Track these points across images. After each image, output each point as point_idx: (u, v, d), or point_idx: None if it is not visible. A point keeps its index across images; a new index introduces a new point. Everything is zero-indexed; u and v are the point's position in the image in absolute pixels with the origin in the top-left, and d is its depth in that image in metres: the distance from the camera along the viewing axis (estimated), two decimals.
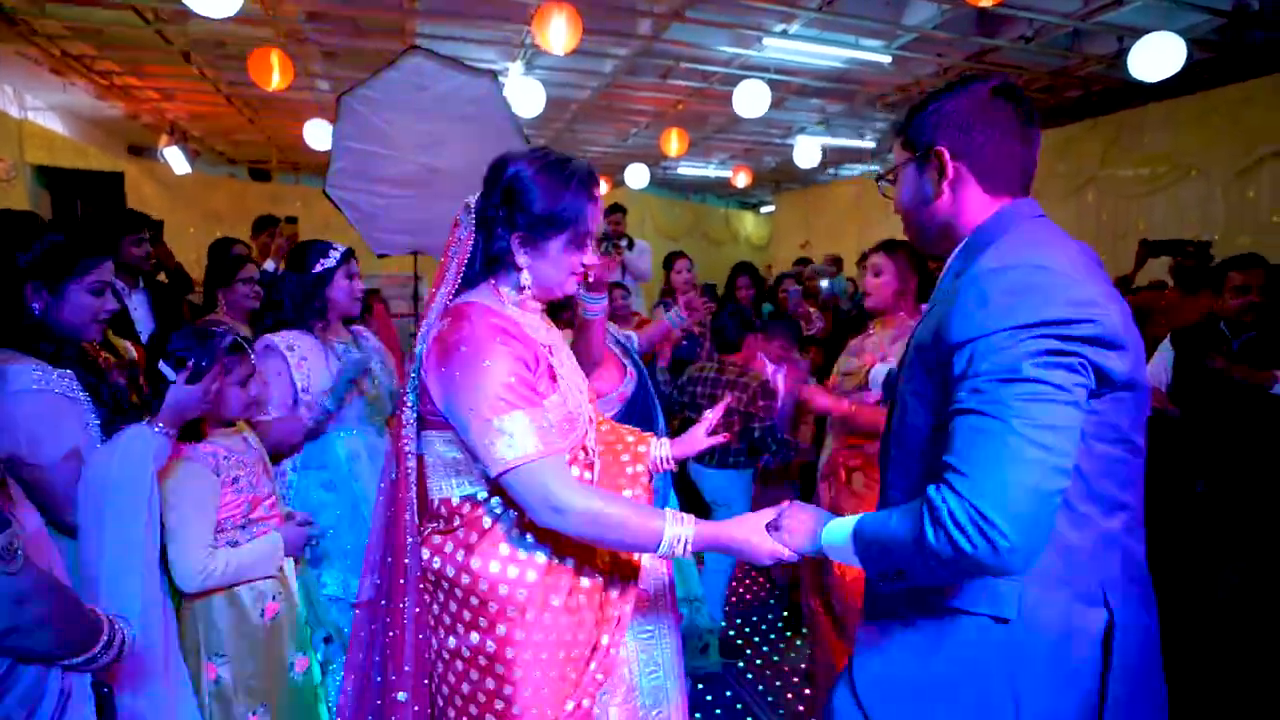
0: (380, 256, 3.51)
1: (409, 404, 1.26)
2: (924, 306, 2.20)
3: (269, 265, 3.90)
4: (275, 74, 4.44)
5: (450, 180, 3.56)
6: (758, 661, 3.08)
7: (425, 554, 1.26)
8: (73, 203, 6.68)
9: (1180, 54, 4.27)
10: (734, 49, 5.42)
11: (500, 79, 5.84)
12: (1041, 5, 4.58)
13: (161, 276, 3.94)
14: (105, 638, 1.16)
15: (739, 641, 3.23)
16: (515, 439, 1.10)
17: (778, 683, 2.91)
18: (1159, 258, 4.18)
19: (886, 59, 5.48)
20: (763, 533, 1.13)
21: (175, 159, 7.29)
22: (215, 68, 5.76)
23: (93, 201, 6.72)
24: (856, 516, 1.02)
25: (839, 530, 1.04)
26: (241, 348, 1.74)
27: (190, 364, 1.55)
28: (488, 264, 1.27)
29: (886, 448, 1.12)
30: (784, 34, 5.07)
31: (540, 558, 1.21)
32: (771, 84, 5.53)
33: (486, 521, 1.23)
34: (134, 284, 3.13)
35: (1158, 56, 4.30)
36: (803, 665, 2.98)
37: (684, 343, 3.78)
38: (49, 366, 1.51)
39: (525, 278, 1.26)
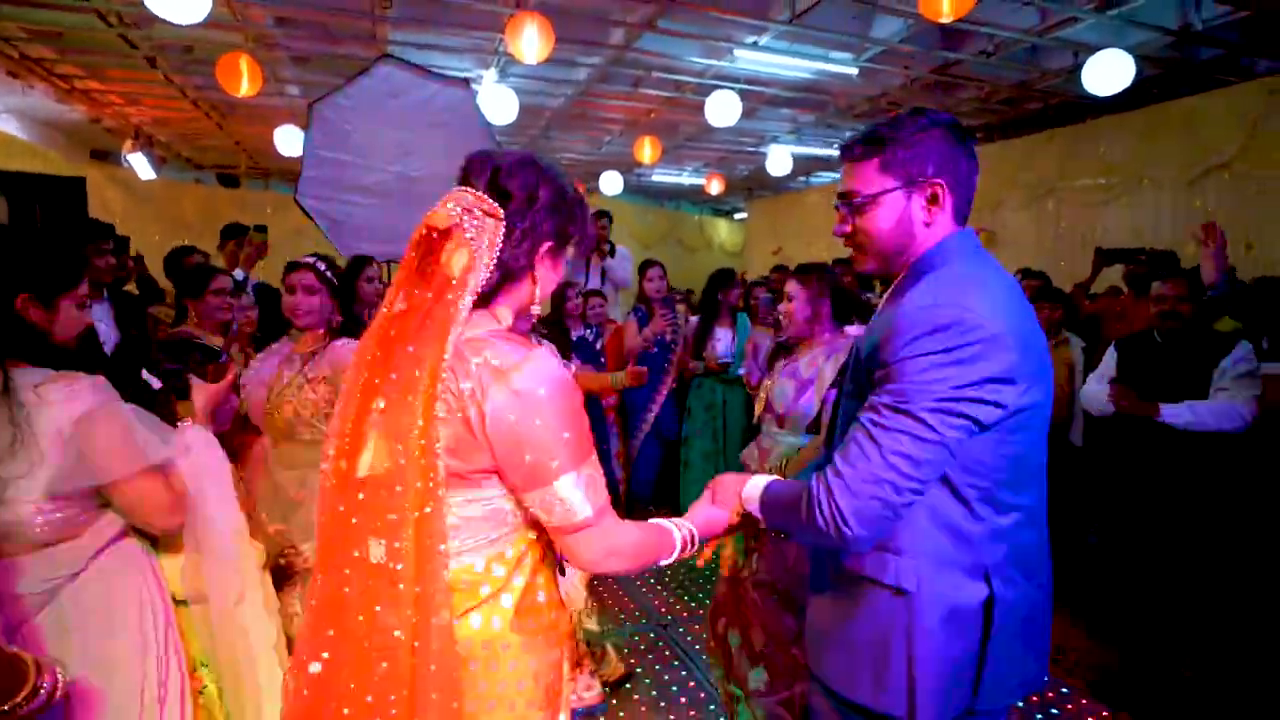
0: None
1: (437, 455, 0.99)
2: (848, 329, 2.28)
3: (238, 274, 3.86)
4: (244, 80, 4.41)
5: (423, 188, 3.57)
6: None
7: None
8: (31, 209, 6.52)
9: (1129, 70, 4.45)
10: (706, 60, 5.50)
11: (473, 87, 5.86)
12: (1001, 21, 4.73)
13: (130, 286, 3.89)
14: (31, 687, 1.06)
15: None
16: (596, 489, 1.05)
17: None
18: (1113, 265, 4.35)
19: (854, 71, 5.61)
20: (712, 504, 1.30)
21: (140, 165, 7.17)
22: (182, 73, 5.68)
23: (53, 208, 6.56)
24: (770, 477, 1.25)
25: (754, 486, 1.24)
26: (218, 355, 1.78)
27: (205, 364, 1.62)
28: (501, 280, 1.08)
29: (831, 443, 1.30)
30: (755, 45, 5.16)
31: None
32: (743, 94, 5.62)
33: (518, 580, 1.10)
34: (98, 295, 3.09)
35: (1109, 72, 4.48)
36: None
37: (653, 349, 3.82)
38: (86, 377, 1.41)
39: (537, 293, 1.11)
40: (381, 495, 0.97)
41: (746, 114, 5.89)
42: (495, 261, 1.02)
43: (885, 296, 1.24)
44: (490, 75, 5.63)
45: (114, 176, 8.15)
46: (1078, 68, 5.23)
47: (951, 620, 1.11)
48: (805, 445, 2.18)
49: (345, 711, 0.97)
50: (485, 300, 1.04)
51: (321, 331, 2.14)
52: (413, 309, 0.99)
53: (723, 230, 13.67)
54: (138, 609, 1.42)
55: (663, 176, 10.32)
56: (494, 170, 1.04)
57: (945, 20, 3.41)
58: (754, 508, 1.24)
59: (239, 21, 4.60)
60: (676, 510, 3.81)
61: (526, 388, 0.97)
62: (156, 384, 1.62)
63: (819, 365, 2.20)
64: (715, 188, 9.20)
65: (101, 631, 1.37)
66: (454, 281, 0.98)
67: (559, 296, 3.64)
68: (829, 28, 4.85)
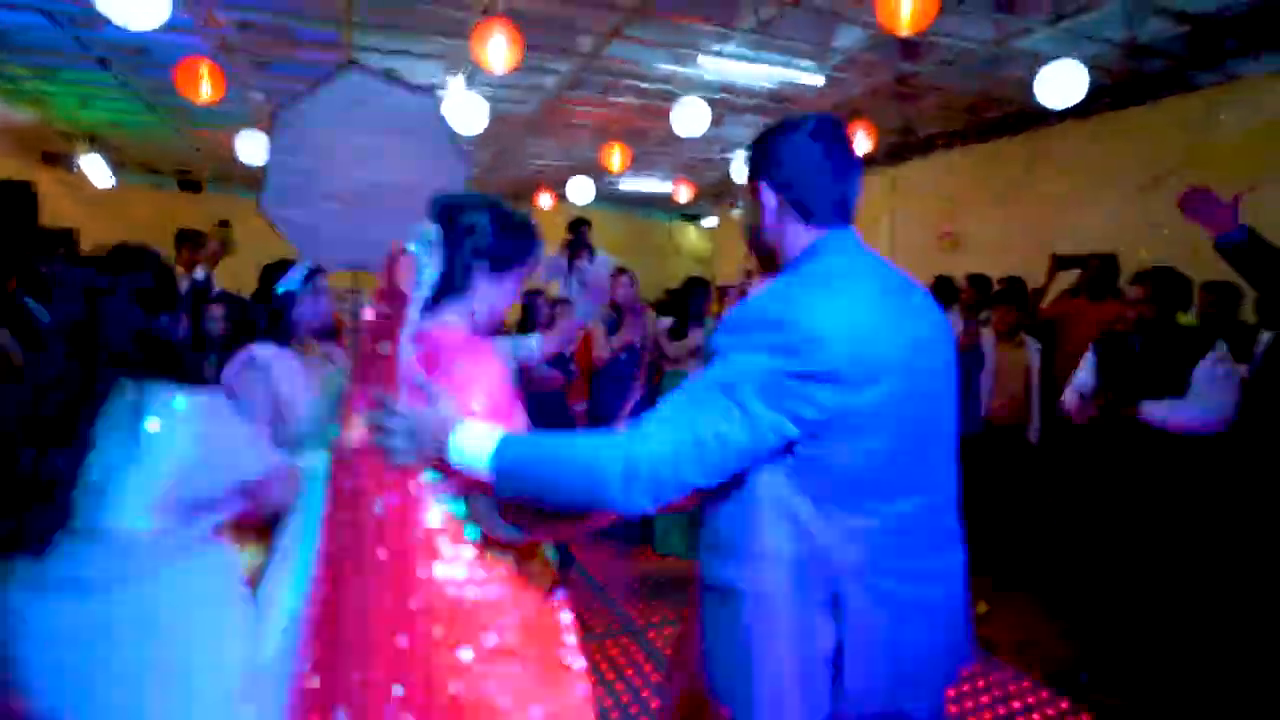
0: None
1: None
2: None
3: (199, 274, 3.79)
4: (205, 85, 4.32)
5: (389, 195, 3.54)
6: None
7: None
8: None
9: (1083, 81, 4.60)
10: (672, 66, 5.55)
11: (441, 93, 5.83)
12: (959, 32, 4.86)
13: None
14: None
15: None
16: None
17: None
18: (1068, 270, 4.49)
19: (819, 79, 5.71)
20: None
21: (94, 169, 6.97)
22: (138, 75, 5.55)
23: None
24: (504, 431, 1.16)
25: (481, 437, 1.14)
26: None
27: None
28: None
29: None
30: (720, 53, 5.22)
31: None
32: (710, 102, 5.68)
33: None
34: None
35: (1062, 83, 4.62)
36: None
37: (621, 356, 3.83)
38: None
39: (479, 306, 1.37)
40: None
41: (714, 121, 5.95)
42: (440, 276, 1.30)
43: None
44: (459, 82, 5.61)
45: (66, 181, 7.92)
46: (1032, 77, 5.39)
47: (804, 619, 1.11)
48: None
49: None
50: (432, 307, 1.31)
51: None
52: (376, 317, 1.30)
53: (692, 237, 13.76)
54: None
55: (631, 184, 10.36)
56: (446, 206, 1.34)
57: (904, 33, 3.49)
58: (480, 468, 1.12)
59: (200, 26, 4.51)
60: (649, 523, 3.81)
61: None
62: None
63: None
64: (684, 195, 9.26)
65: None
66: (407, 294, 1.28)
67: (529, 306, 3.64)
68: (793, 36, 4.93)
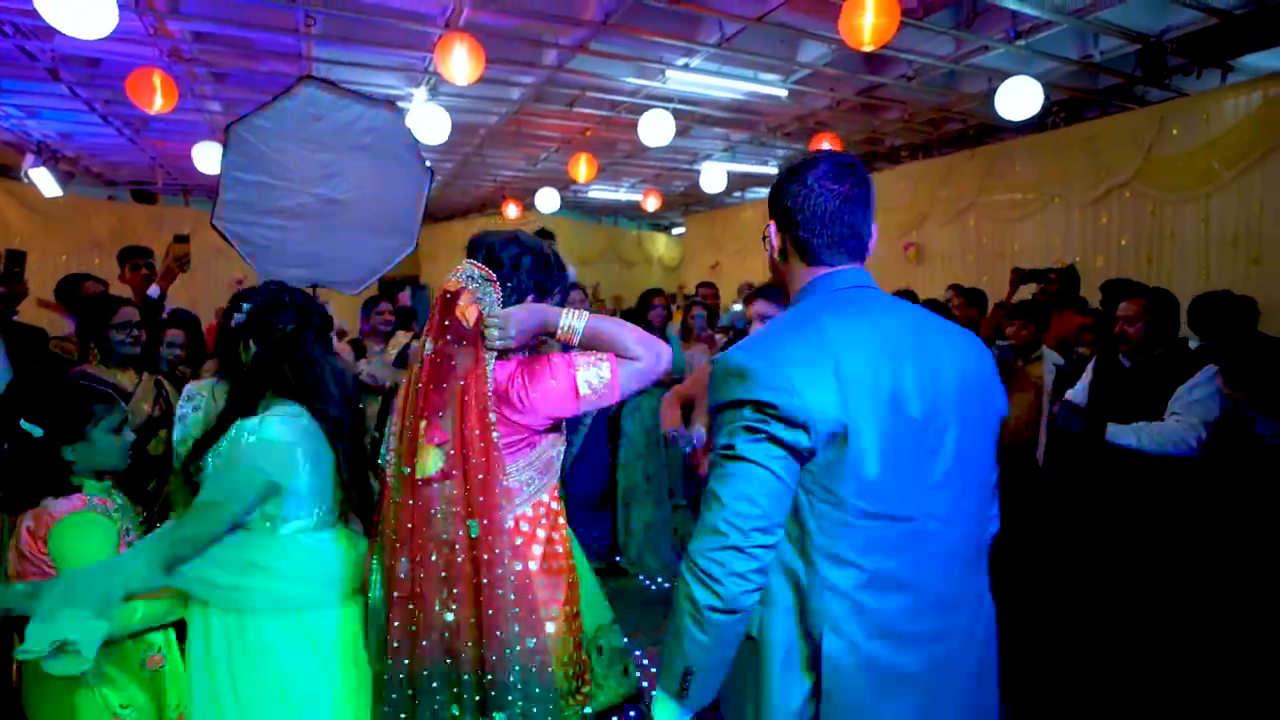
0: None
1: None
2: None
3: (153, 292, 3.66)
4: (158, 96, 4.21)
5: (348, 211, 3.47)
6: None
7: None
8: None
9: (1039, 97, 4.71)
10: (638, 80, 5.56)
11: (404, 105, 5.75)
12: (920, 48, 4.94)
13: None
14: None
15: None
16: None
17: None
18: (1029, 284, 4.57)
19: (784, 93, 5.76)
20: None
21: (43, 180, 6.74)
22: (88, 86, 5.39)
23: None
24: None
25: None
26: (110, 396, 1.70)
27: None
28: None
29: None
30: (686, 67, 5.25)
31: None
32: (676, 113, 5.70)
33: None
34: None
35: (1019, 99, 4.73)
36: None
37: None
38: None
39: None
40: (436, 489, 1.35)
41: (680, 132, 5.98)
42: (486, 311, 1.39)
43: None
44: (421, 94, 5.54)
45: (13, 192, 7.64)
46: (992, 91, 5.52)
47: (788, 667, 1.12)
48: None
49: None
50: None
51: None
52: (438, 353, 1.36)
53: (661, 245, 13.80)
54: None
55: (600, 193, 10.35)
56: (488, 247, 1.45)
57: (866, 49, 3.54)
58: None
59: (153, 36, 4.39)
60: (619, 541, 3.77)
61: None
62: (38, 431, 1.52)
63: None
64: (652, 204, 9.28)
65: None
66: (468, 328, 1.35)
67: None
68: (757, 51, 4.97)
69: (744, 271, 10.90)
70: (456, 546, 1.32)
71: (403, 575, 1.35)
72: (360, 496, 1.67)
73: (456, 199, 10.78)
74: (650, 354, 1.40)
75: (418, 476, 1.33)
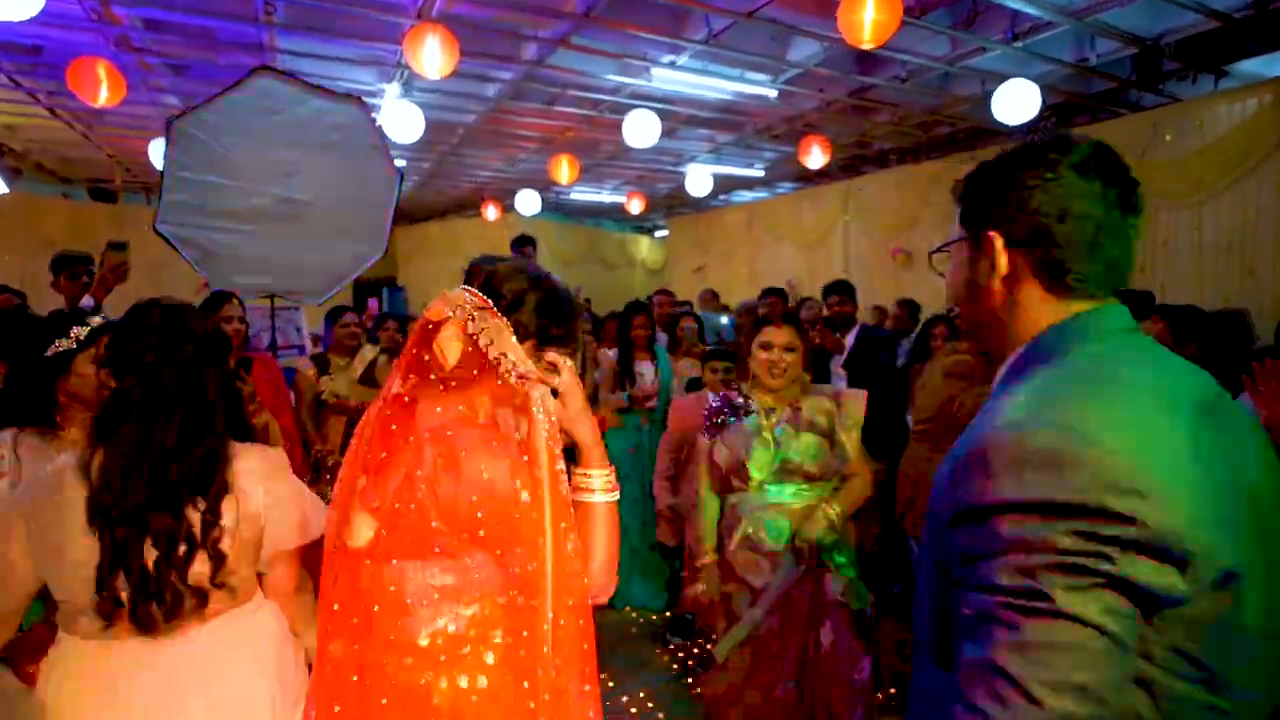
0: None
1: None
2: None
3: (87, 302, 3.35)
4: (103, 88, 3.89)
5: (311, 214, 3.21)
6: None
7: None
8: None
9: (1036, 100, 4.56)
10: (621, 78, 5.33)
11: (375, 102, 5.47)
12: (914, 49, 4.77)
13: None
14: None
15: None
16: None
17: None
18: None
19: (773, 93, 5.57)
20: None
21: None
22: (31, 75, 5.03)
23: None
24: None
25: None
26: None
27: None
28: None
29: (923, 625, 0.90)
30: (672, 65, 5.03)
31: None
32: (661, 113, 5.48)
33: None
34: None
35: (1016, 101, 4.58)
36: None
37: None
38: None
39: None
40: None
41: (665, 133, 5.76)
42: (484, 352, 1.07)
43: (994, 384, 0.91)
44: (393, 89, 5.26)
45: None
46: (985, 95, 5.37)
47: None
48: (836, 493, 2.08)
49: None
50: (475, 382, 1.10)
51: None
52: (406, 394, 1.08)
53: (644, 248, 13.57)
54: None
55: (582, 194, 10.10)
56: (489, 274, 1.15)
57: (866, 46, 3.35)
58: None
59: (97, 22, 4.07)
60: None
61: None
62: None
63: (831, 411, 2.06)
64: (635, 207, 9.06)
65: None
66: (446, 369, 1.06)
67: None
68: (746, 49, 4.77)
69: (729, 275, 10.72)
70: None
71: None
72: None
73: (433, 199, 10.46)
74: (602, 584, 1.12)
75: (349, 544, 1.07)
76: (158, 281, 6.54)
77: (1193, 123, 5.52)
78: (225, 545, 1.23)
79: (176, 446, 1.20)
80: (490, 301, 1.11)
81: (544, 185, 8.55)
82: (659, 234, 13.53)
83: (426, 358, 1.07)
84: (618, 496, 1.15)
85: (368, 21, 4.27)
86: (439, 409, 1.08)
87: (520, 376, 1.06)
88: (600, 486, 1.13)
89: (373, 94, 5.43)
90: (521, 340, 1.11)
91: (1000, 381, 0.88)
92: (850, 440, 2.04)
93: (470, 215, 10.72)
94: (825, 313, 3.63)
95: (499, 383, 1.07)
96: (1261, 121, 5.15)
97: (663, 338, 4.22)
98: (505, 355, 1.06)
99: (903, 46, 4.68)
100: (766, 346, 2.06)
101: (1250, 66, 5.22)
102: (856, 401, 2.07)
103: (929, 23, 4.26)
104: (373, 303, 4.98)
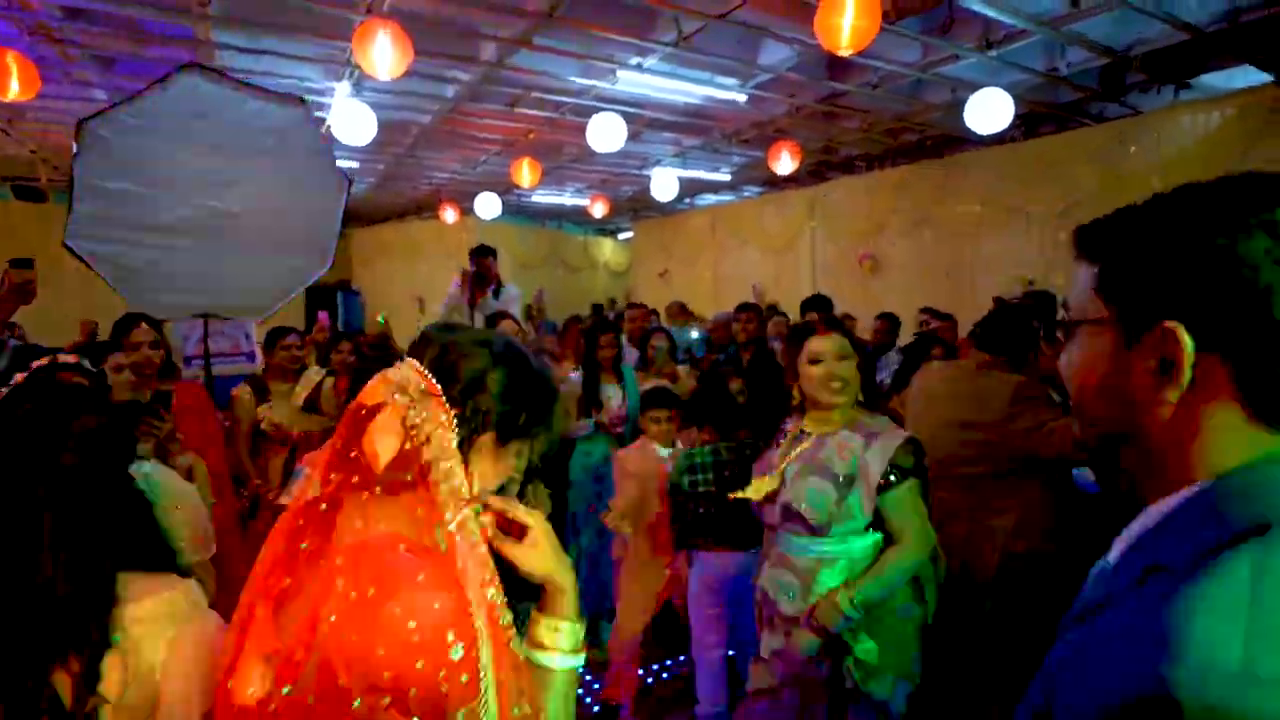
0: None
1: None
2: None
3: None
4: (14, 80, 3.53)
5: (247, 226, 2.92)
6: None
7: None
8: None
9: (1009, 109, 4.49)
10: (586, 80, 5.11)
11: (324, 100, 5.15)
12: (887, 55, 4.67)
13: None
14: None
15: None
16: None
17: None
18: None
19: (742, 97, 5.41)
20: None
21: None
22: None
23: None
24: None
25: None
26: None
27: None
28: None
29: None
30: (639, 67, 4.83)
31: None
32: (627, 116, 5.28)
33: None
34: None
35: (989, 111, 4.51)
36: None
37: None
38: None
39: (466, 489, 0.96)
40: None
41: (631, 136, 5.57)
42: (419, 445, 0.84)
43: (1120, 554, 0.62)
44: (343, 88, 4.95)
45: None
46: (955, 103, 5.31)
47: None
48: (872, 547, 1.72)
49: None
50: (410, 488, 0.85)
51: None
52: (325, 498, 0.84)
53: (608, 250, 13.35)
54: None
55: (544, 197, 9.84)
56: (443, 348, 0.90)
57: (845, 53, 3.20)
58: None
59: (8, 8, 3.70)
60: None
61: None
62: None
63: (856, 452, 1.68)
64: (599, 210, 8.84)
65: None
66: (377, 471, 0.82)
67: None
68: (716, 52, 4.60)
69: (693, 278, 10.57)
70: None
71: None
72: None
73: (390, 201, 10.07)
74: None
75: (234, 701, 0.80)
76: (89, 293, 6.08)
77: (1157, 135, 5.55)
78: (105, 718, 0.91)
79: (42, 590, 0.89)
80: (440, 385, 0.87)
81: (505, 188, 8.28)
82: (623, 236, 13.33)
83: (354, 454, 0.83)
84: (584, 660, 0.92)
85: (314, 16, 3.97)
86: (360, 523, 0.82)
87: (460, 500, 0.83)
88: (569, 645, 0.90)
89: (321, 93, 5.11)
90: (478, 432, 0.88)
91: (1144, 538, 0.59)
92: (869, 494, 1.65)
93: (428, 217, 10.36)
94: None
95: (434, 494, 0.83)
96: (1226, 134, 5.19)
97: (633, 353, 4.02)
98: (438, 465, 0.82)
99: (875, 53, 4.56)
100: (817, 360, 1.74)
101: (1212, 80, 5.26)
102: (891, 444, 1.67)
103: (903, 29, 4.14)
104: (324, 315, 4.65)
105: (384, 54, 3.27)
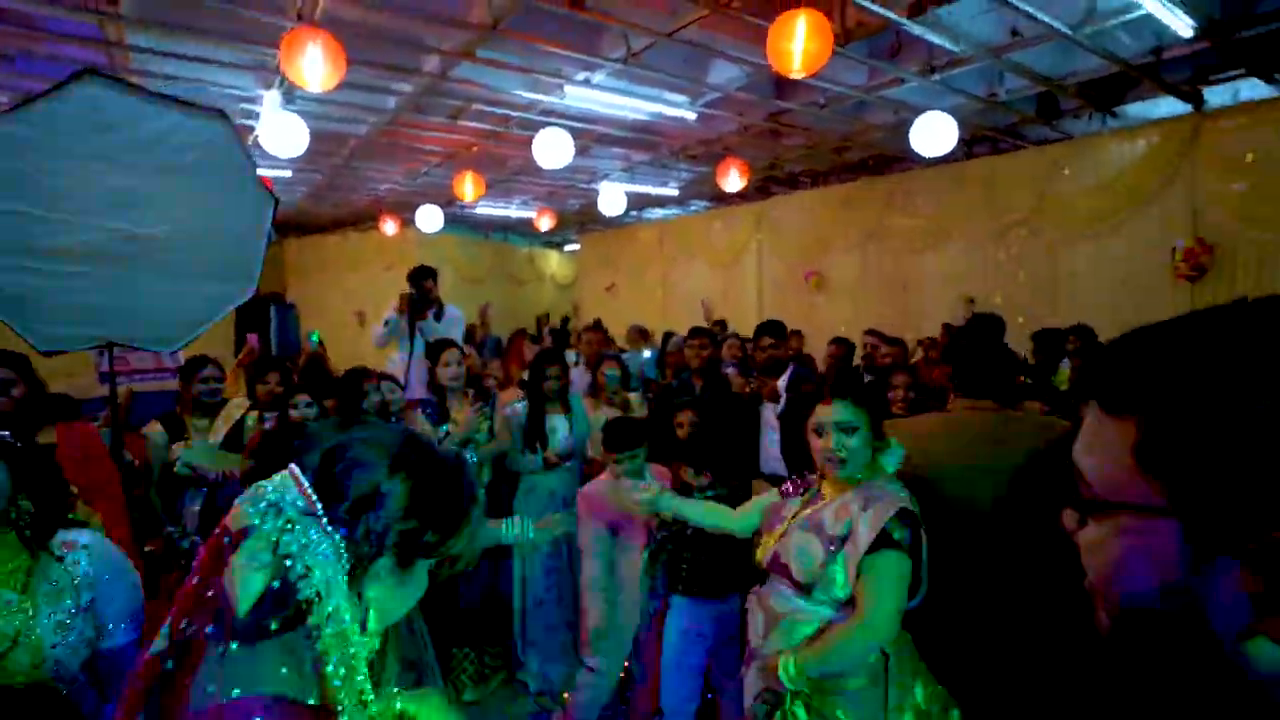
0: (47, 354, 2.50)
1: None
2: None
3: None
4: None
5: (160, 251, 2.67)
6: None
7: None
8: None
9: (953, 133, 4.56)
10: (533, 94, 4.97)
11: (253, 108, 4.86)
12: (835, 76, 4.69)
13: None
14: None
15: None
16: None
17: None
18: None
19: (692, 115, 5.37)
20: None
21: None
22: None
23: None
24: None
25: None
26: None
27: None
28: None
29: None
30: (587, 83, 4.72)
31: None
32: (575, 131, 5.17)
33: None
34: None
35: (934, 133, 4.57)
36: None
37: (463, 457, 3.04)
38: None
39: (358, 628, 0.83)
40: None
41: (579, 151, 5.46)
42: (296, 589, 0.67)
43: None
44: (273, 98, 4.68)
45: None
46: (898, 124, 5.39)
47: None
48: (835, 622, 1.56)
49: None
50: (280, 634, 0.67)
51: None
52: (174, 649, 0.66)
53: (554, 263, 13.18)
54: None
55: (489, 209, 9.61)
56: (332, 451, 0.75)
57: (796, 76, 3.16)
58: None
59: None
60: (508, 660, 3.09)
61: None
62: None
63: (851, 515, 1.54)
64: (545, 224, 8.67)
65: None
66: (240, 617, 0.65)
67: (354, 391, 2.85)
68: (665, 70, 4.53)
69: (640, 292, 10.50)
70: None
71: None
72: None
73: (327, 211, 9.67)
74: None
75: None
76: None
77: (1090, 159, 5.76)
78: None
79: None
80: (325, 502, 0.71)
81: (448, 199, 8.04)
82: (569, 248, 13.18)
83: (210, 594, 0.66)
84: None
85: (241, 20, 3.72)
86: (213, 689, 0.64)
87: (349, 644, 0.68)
88: None
89: (249, 101, 4.83)
90: (372, 557, 0.72)
91: None
92: (854, 561, 1.50)
93: (368, 228, 9.99)
94: (759, 356, 3.36)
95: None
96: (1150, 160, 5.41)
97: (585, 377, 3.89)
98: (320, 605, 0.66)
99: (823, 74, 4.56)
100: (820, 430, 1.61)
101: (1139, 110, 5.48)
102: (884, 511, 1.51)
103: (850, 52, 4.15)
104: (253, 338, 4.33)
105: (315, 66, 3.07)
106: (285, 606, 0.66)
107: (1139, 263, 5.52)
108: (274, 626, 0.65)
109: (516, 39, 4.00)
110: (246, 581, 0.65)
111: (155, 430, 2.76)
